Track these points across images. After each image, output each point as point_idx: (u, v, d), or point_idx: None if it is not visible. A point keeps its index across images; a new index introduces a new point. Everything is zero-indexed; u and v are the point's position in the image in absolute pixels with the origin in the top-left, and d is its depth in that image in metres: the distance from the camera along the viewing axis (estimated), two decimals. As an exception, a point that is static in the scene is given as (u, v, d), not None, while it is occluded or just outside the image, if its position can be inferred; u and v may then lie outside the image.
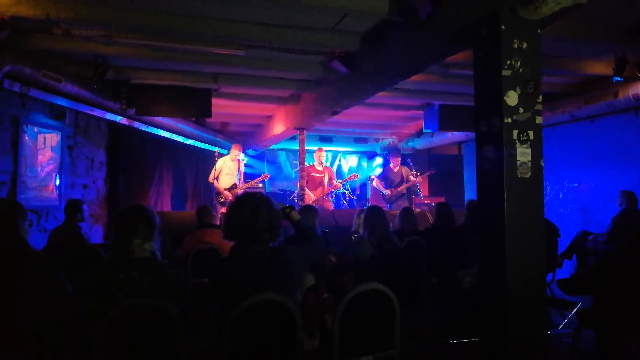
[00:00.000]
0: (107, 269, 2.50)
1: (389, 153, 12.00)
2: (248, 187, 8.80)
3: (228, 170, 8.52)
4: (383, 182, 9.33)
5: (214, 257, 4.52)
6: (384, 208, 9.53)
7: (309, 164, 9.37)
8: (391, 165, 9.40)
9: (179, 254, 4.91)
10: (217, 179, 8.43)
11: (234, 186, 8.52)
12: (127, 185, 8.83)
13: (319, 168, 9.07)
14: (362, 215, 4.33)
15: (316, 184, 8.98)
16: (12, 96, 5.69)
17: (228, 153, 9.21)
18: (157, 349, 2.28)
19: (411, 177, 9.04)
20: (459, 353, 4.21)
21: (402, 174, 9.20)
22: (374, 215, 4.19)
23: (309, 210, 4.64)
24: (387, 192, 9.21)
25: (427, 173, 9.75)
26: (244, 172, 11.68)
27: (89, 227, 7.45)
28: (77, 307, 2.52)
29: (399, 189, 9.12)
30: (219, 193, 8.32)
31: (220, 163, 8.47)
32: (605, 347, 3.49)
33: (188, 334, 2.36)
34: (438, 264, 5.10)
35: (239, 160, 8.81)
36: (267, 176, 9.41)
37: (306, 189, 8.75)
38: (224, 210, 7.83)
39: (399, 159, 9.43)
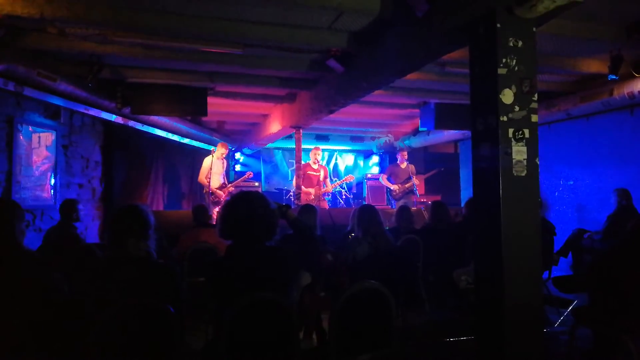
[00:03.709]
0: (102, 268, 2.49)
1: (386, 151, 12.03)
2: (237, 185, 8.74)
3: (216, 169, 8.40)
4: (389, 178, 9.29)
5: (210, 256, 4.51)
6: (388, 206, 9.59)
7: (304, 162, 9.37)
8: (398, 161, 9.33)
9: (176, 254, 4.90)
10: (208, 178, 8.26)
11: (224, 185, 8.46)
12: (123, 185, 8.81)
13: (315, 166, 9.06)
14: (355, 215, 4.33)
15: (314, 182, 8.98)
16: (6, 95, 5.66)
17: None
18: (154, 348, 2.27)
19: (414, 177, 8.99)
20: (455, 351, 4.22)
21: (409, 170, 9.13)
22: (367, 214, 4.18)
23: (308, 210, 4.64)
24: (394, 187, 9.14)
25: (433, 172, 9.71)
26: (240, 170, 11.71)
27: (85, 226, 7.43)
28: (73, 307, 2.51)
29: (407, 185, 9.07)
30: (212, 193, 8.24)
31: (207, 162, 8.31)
32: (602, 345, 3.51)
33: (184, 333, 2.36)
34: (435, 262, 5.11)
35: (224, 159, 8.70)
36: (250, 174, 9.33)
37: (302, 186, 8.74)
38: (217, 209, 7.81)
39: (406, 154, 9.38)
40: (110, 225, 2.55)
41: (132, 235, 2.45)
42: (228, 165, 9.54)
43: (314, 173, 9.02)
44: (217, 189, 8.32)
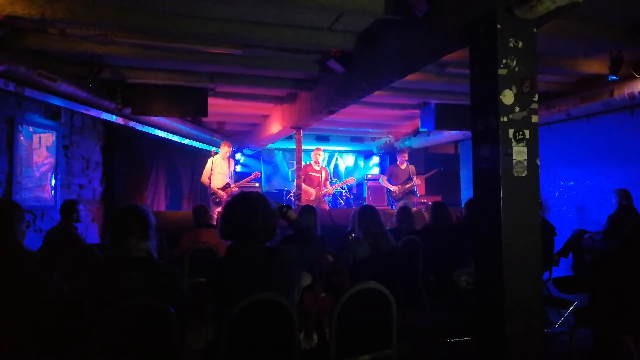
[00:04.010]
0: (103, 268, 2.49)
1: (386, 151, 12.04)
2: (241, 186, 8.73)
3: (220, 170, 8.38)
4: (389, 179, 9.30)
5: (211, 257, 4.51)
6: (389, 207, 9.59)
7: (305, 162, 9.36)
8: (398, 162, 9.34)
9: (176, 254, 4.90)
10: (210, 178, 8.28)
11: (227, 185, 8.43)
12: (123, 185, 8.80)
13: (316, 167, 9.06)
14: (356, 216, 4.32)
15: (314, 183, 8.97)
16: (7, 96, 5.67)
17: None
18: (153, 349, 2.27)
19: (415, 178, 8.99)
20: (456, 352, 4.22)
21: (409, 171, 9.14)
22: (366, 214, 4.18)
23: (308, 211, 4.64)
24: (394, 188, 9.14)
25: (433, 172, 9.71)
26: (240, 171, 11.70)
27: (85, 227, 7.43)
28: (73, 307, 2.51)
29: (407, 186, 9.07)
30: (213, 193, 8.23)
31: (210, 162, 8.31)
32: (602, 345, 3.50)
33: (185, 333, 2.36)
34: (435, 262, 5.11)
35: (229, 158, 8.67)
36: (258, 174, 9.28)
37: (304, 185, 8.73)
38: (219, 209, 7.79)
39: (406, 155, 9.38)
40: (111, 226, 2.55)
41: (132, 236, 2.45)
42: (233, 164, 9.49)
43: (315, 174, 9.01)
44: (220, 189, 8.30)
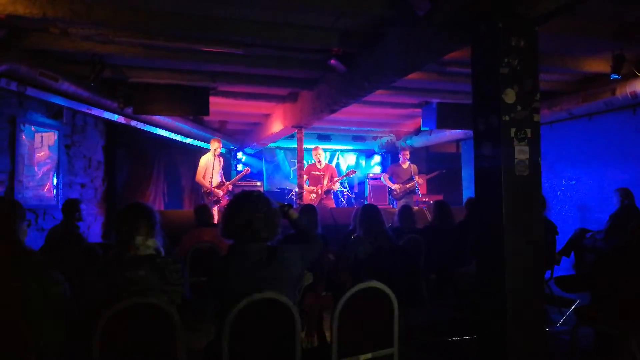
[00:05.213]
0: (112, 268, 2.49)
1: (387, 150, 12.03)
2: (234, 184, 8.65)
3: (214, 167, 8.33)
4: (391, 178, 9.28)
5: (212, 256, 4.52)
6: (390, 206, 9.58)
7: (308, 162, 9.33)
8: (400, 161, 9.32)
9: (177, 253, 4.91)
10: (205, 177, 8.06)
11: (222, 183, 8.35)
12: (125, 184, 8.82)
13: (320, 166, 9.03)
14: (357, 215, 4.33)
15: (316, 182, 8.95)
16: (9, 95, 5.68)
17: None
18: (155, 347, 2.28)
19: (416, 177, 8.97)
20: (457, 351, 4.22)
21: (411, 170, 9.12)
22: (368, 213, 4.18)
23: (309, 210, 4.64)
24: (395, 187, 9.12)
25: (435, 173, 9.70)
26: (242, 170, 11.68)
27: (87, 226, 7.45)
28: (77, 307, 2.51)
29: (408, 185, 9.06)
30: (210, 192, 8.14)
31: (204, 161, 8.16)
32: (604, 345, 3.50)
33: (187, 332, 2.36)
34: (437, 261, 5.10)
35: (219, 156, 8.37)
36: (248, 170, 9.16)
37: (307, 186, 8.72)
38: (217, 208, 7.78)
39: (408, 154, 9.37)
40: (116, 225, 2.55)
41: (138, 233, 2.46)
42: (224, 162, 9.40)
43: (319, 173, 8.97)
44: (216, 187, 8.26)
